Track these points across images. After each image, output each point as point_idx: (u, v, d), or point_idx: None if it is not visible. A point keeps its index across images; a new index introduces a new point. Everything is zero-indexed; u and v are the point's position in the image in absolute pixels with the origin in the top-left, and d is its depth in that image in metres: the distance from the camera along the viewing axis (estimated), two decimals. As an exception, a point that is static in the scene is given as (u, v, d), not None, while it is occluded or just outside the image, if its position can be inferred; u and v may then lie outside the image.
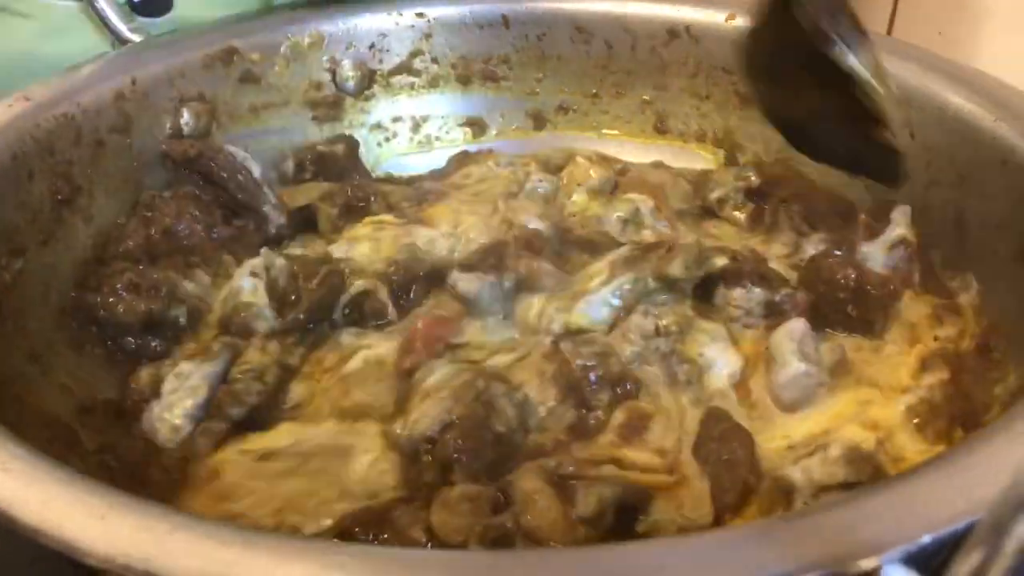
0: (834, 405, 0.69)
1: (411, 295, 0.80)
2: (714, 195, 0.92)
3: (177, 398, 0.70)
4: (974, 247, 0.77)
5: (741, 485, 0.62)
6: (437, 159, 1.02)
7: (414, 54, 1.01)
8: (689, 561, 0.41)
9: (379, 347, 0.75)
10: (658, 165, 0.98)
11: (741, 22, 0.95)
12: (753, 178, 0.91)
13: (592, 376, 0.69)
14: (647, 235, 0.86)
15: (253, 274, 0.78)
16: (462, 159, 0.99)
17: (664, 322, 0.73)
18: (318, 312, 0.77)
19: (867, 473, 0.60)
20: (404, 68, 1.02)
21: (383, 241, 0.83)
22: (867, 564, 0.40)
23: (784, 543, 0.41)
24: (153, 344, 0.76)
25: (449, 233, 0.84)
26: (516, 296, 0.76)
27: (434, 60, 1.02)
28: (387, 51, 1.00)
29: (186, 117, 0.89)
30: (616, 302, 0.75)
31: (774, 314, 0.75)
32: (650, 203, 0.88)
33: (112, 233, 0.81)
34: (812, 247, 0.82)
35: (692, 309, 0.76)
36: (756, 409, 0.70)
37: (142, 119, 0.85)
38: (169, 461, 0.67)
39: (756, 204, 0.90)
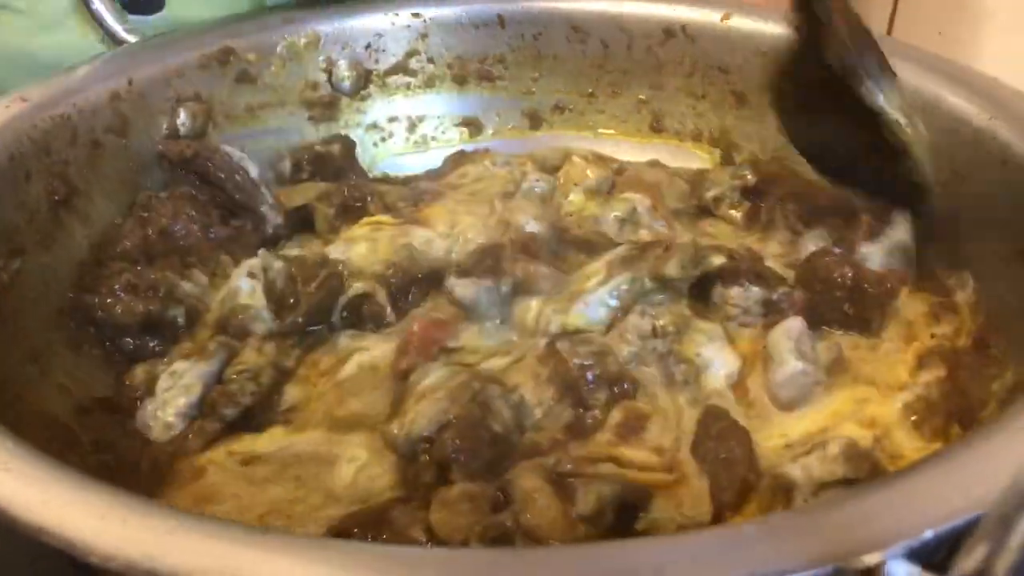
0: (831, 403, 0.69)
1: (409, 297, 0.80)
2: (710, 194, 0.92)
3: (171, 396, 0.70)
4: (971, 245, 0.77)
5: (740, 483, 0.62)
6: (433, 159, 1.02)
7: (410, 54, 1.01)
8: (695, 557, 0.41)
9: (375, 350, 0.75)
10: (654, 164, 0.98)
11: (737, 21, 0.95)
12: (749, 177, 0.91)
13: (589, 375, 0.68)
14: (644, 234, 0.86)
15: (251, 275, 0.78)
16: (458, 159, 0.99)
17: (661, 322, 0.73)
18: (317, 315, 0.77)
19: (866, 470, 0.60)
20: (400, 68, 1.01)
21: (380, 242, 0.83)
22: (871, 559, 0.40)
23: (789, 539, 0.41)
24: (151, 344, 0.76)
25: (446, 233, 0.84)
26: (513, 300, 0.76)
27: (430, 60, 1.02)
28: (383, 51, 1.00)
29: (182, 117, 0.89)
30: (613, 302, 0.75)
31: (772, 312, 0.75)
32: (647, 202, 0.88)
33: (109, 234, 0.81)
34: (811, 245, 0.83)
35: (689, 308, 0.76)
36: (753, 408, 0.70)
37: (138, 119, 0.85)
38: (159, 455, 0.67)
39: (752, 203, 0.90)
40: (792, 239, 0.85)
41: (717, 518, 0.60)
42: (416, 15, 1.00)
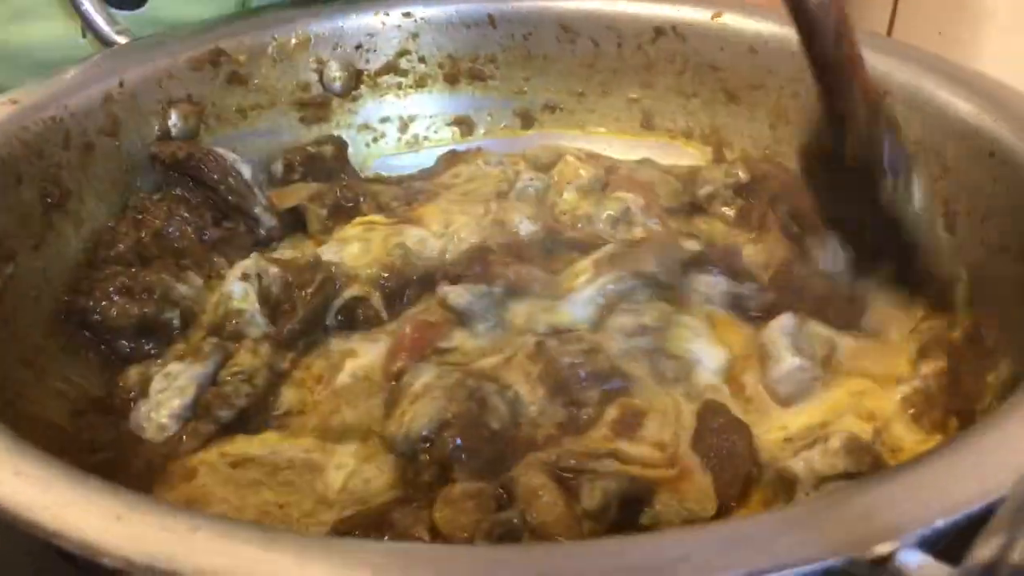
0: (829, 397, 0.69)
1: (404, 300, 0.80)
2: (703, 192, 0.92)
3: (164, 398, 0.70)
4: (963, 238, 0.78)
5: (743, 477, 0.62)
6: (425, 159, 1.01)
7: (401, 54, 1.01)
8: (712, 549, 0.41)
9: (368, 355, 0.74)
10: (646, 162, 0.98)
11: (727, 19, 0.96)
12: (741, 175, 0.92)
13: (581, 373, 0.68)
14: (638, 233, 0.86)
15: (244, 276, 0.77)
16: (451, 158, 0.99)
17: (645, 319, 0.73)
18: (313, 321, 0.77)
19: (867, 463, 0.61)
20: (391, 68, 1.01)
21: (373, 242, 0.83)
22: (883, 549, 0.40)
23: (804, 530, 0.41)
24: (147, 347, 0.76)
25: (440, 233, 0.84)
26: (506, 302, 0.76)
27: (421, 59, 1.02)
28: (374, 51, 1.00)
29: (174, 119, 0.88)
30: (601, 300, 0.75)
31: (737, 308, 0.75)
32: (641, 201, 0.88)
33: (103, 236, 0.80)
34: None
35: (671, 303, 0.76)
36: (752, 403, 0.70)
37: (130, 121, 0.85)
38: (152, 456, 0.67)
39: (745, 201, 0.91)
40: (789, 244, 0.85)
41: (722, 512, 0.61)
42: (407, 15, 1.00)
